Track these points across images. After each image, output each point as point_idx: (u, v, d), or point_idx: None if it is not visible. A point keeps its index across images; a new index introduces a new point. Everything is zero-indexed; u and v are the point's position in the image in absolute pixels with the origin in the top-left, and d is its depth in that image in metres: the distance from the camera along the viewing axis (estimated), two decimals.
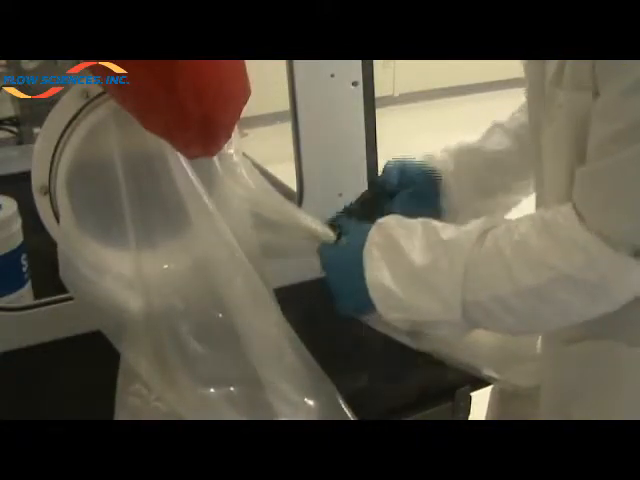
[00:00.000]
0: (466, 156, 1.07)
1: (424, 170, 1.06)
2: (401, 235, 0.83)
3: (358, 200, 1.02)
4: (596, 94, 0.72)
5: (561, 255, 0.73)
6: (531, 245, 0.75)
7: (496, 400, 1.20)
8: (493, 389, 1.20)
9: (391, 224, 0.85)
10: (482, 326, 0.83)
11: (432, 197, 1.06)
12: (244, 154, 0.92)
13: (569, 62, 0.75)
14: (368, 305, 0.84)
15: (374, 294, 0.83)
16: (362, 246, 0.85)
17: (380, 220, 0.86)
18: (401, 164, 1.05)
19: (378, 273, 0.83)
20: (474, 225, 0.81)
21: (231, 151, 0.90)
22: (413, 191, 1.05)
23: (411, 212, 0.96)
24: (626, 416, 0.84)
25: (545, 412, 0.99)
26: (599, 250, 0.72)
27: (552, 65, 0.79)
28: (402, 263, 0.82)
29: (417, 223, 0.84)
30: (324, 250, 0.91)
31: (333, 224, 0.94)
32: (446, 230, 0.82)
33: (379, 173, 1.08)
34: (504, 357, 1.07)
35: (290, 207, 0.93)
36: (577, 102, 0.75)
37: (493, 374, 1.04)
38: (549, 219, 0.76)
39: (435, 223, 0.84)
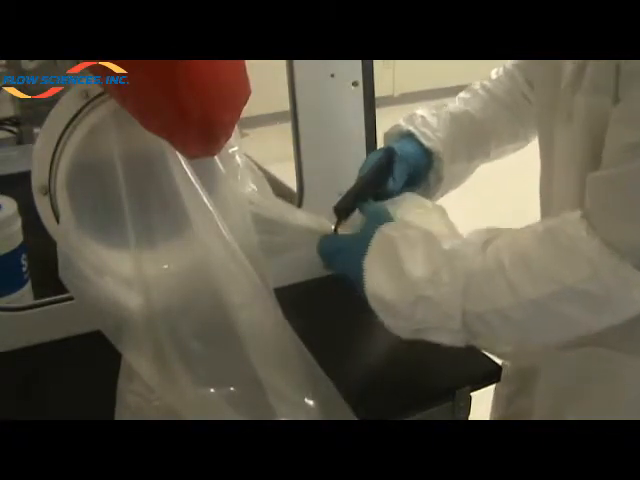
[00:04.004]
0: (457, 124, 1.04)
1: (420, 152, 1.02)
2: (402, 246, 0.82)
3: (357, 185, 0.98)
4: (616, 100, 0.70)
5: (565, 266, 0.72)
6: (533, 257, 0.74)
7: (497, 400, 1.20)
8: (496, 388, 1.20)
9: (392, 234, 0.83)
10: (483, 336, 0.82)
11: (423, 170, 1.03)
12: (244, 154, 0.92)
13: (589, 66, 0.74)
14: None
15: (374, 305, 0.83)
16: (363, 254, 0.84)
17: (382, 228, 0.85)
18: (395, 155, 1.00)
19: (378, 287, 0.82)
20: (476, 236, 0.80)
21: (235, 149, 0.90)
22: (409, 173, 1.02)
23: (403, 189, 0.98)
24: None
25: (539, 413, 0.99)
26: (605, 262, 0.70)
27: (569, 69, 0.78)
28: (402, 276, 0.80)
29: (418, 233, 0.83)
30: (325, 245, 0.90)
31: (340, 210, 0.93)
32: (447, 241, 0.81)
33: None
34: None
35: (289, 207, 0.93)
36: (596, 107, 0.73)
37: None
38: (554, 228, 0.75)
39: (436, 233, 0.83)
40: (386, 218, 0.87)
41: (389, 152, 1.00)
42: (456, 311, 0.77)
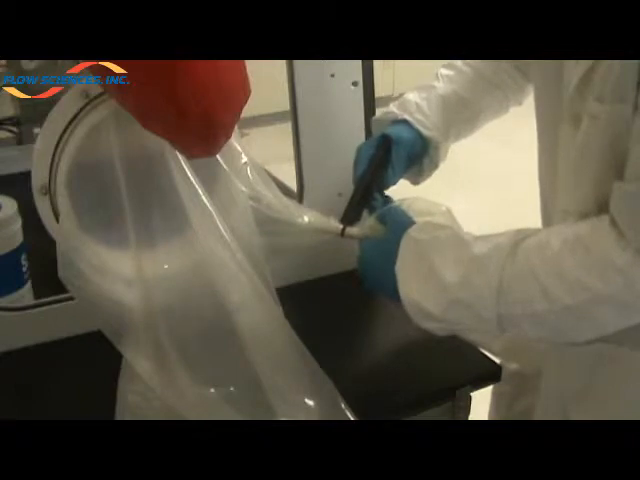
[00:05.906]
0: (448, 108, 1.04)
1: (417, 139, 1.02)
2: (432, 249, 0.82)
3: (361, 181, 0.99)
4: (636, 109, 0.70)
5: (598, 276, 0.72)
6: (566, 265, 0.74)
7: (498, 400, 1.20)
8: (494, 389, 1.20)
9: (421, 237, 0.83)
10: (514, 334, 0.82)
11: (418, 155, 1.03)
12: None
13: (600, 71, 0.73)
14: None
15: (408, 308, 0.83)
16: (394, 260, 0.84)
17: (410, 231, 0.84)
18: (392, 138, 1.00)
19: (411, 291, 0.82)
20: (505, 238, 0.80)
21: (238, 148, 0.90)
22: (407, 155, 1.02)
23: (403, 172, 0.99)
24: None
25: (543, 411, 0.98)
26: (637, 272, 0.71)
27: (575, 72, 0.77)
28: (435, 280, 0.81)
29: (447, 234, 0.83)
30: (365, 249, 0.91)
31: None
32: (477, 244, 0.81)
33: None
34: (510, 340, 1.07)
35: (297, 206, 0.93)
36: (616, 114, 0.73)
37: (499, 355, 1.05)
38: (584, 236, 0.75)
39: (465, 236, 0.82)
40: (408, 220, 0.87)
41: (386, 141, 0.99)
42: (491, 314, 0.78)
